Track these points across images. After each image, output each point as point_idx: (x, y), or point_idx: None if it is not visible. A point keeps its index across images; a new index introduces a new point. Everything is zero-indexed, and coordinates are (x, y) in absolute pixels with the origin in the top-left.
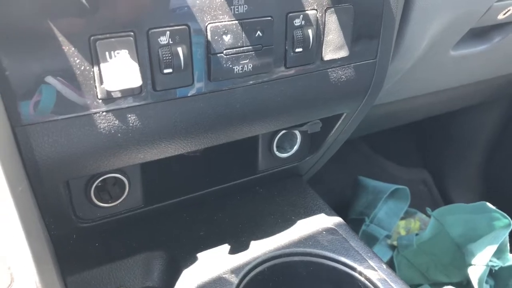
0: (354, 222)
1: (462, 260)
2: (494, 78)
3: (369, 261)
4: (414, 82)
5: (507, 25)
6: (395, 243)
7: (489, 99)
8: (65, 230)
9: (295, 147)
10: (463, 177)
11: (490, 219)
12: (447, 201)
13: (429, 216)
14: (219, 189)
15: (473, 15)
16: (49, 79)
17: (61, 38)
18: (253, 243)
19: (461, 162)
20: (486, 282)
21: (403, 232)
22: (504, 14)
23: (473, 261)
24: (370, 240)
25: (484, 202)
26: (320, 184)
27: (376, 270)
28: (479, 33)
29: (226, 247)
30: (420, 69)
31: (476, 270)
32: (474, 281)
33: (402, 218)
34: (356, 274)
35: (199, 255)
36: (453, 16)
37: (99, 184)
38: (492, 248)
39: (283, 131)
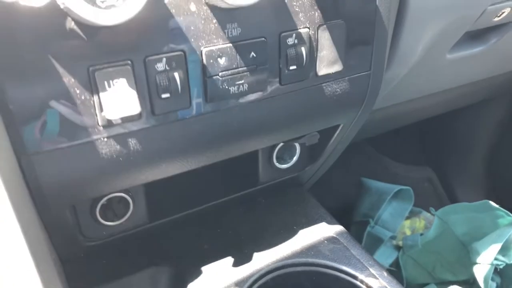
0: (358, 224)
1: (467, 258)
2: (493, 77)
3: (370, 269)
4: (412, 87)
5: (503, 26)
6: (400, 243)
7: (491, 96)
8: (73, 250)
9: (295, 158)
10: (467, 174)
11: (494, 217)
12: (453, 199)
13: (433, 215)
14: (221, 202)
15: (468, 19)
16: (51, 109)
17: (61, 69)
18: (256, 255)
19: (465, 159)
20: (492, 280)
21: (408, 232)
22: (499, 16)
23: (478, 259)
24: (375, 242)
25: (487, 200)
26: (324, 186)
27: (377, 278)
28: (475, 35)
29: (230, 259)
30: (417, 74)
31: (481, 269)
32: (480, 280)
33: (407, 218)
34: (358, 283)
35: (203, 268)
36: (447, 22)
37: (104, 203)
38: (497, 246)
39: (282, 143)
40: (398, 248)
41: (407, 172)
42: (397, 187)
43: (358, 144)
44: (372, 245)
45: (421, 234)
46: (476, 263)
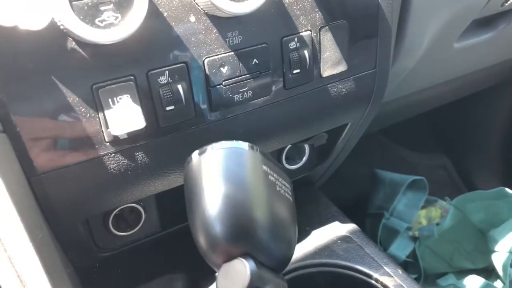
0: (373, 216)
1: (485, 246)
2: (504, 61)
3: (385, 267)
4: (420, 78)
5: (510, 12)
6: (416, 233)
7: (502, 81)
8: (88, 262)
9: (304, 158)
10: (483, 160)
11: (511, 203)
12: (468, 185)
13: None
14: None
15: (473, 8)
16: (58, 128)
17: (65, 89)
18: None
19: (479, 145)
20: (511, 267)
21: (424, 222)
22: (507, 2)
23: (496, 247)
24: (391, 234)
25: (503, 187)
26: (339, 178)
27: (392, 276)
28: (482, 22)
29: None
30: (425, 66)
31: (499, 257)
32: (499, 268)
33: (423, 207)
34: (373, 282)
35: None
36: (452, 12)
37: (117, 213)
38: None
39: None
40: (414, 239)
41: (422, 160)
42: (411, 178)
43: (371, 135)
44: (388, 237)
45: (437, 224)
46: (494, 251)
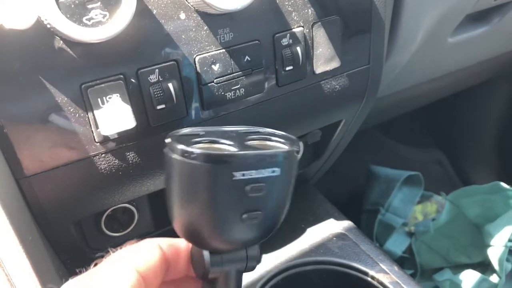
0: (369, 212)
1: (481, 240)
2: (498, 56)
3: (381, 264)
4: (415, 73)
5: (504, 6)
6: (412, 229)
7: (496, 75)
8: (81, 263)
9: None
10: (478, 155)
11: (506, 198)
12: (464, 180)
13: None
14: None
15: (467, 2)
16: (47, 129)
17: (53, 89)
18: (265, 256)
19: (474, 140)
20: (507, 261)
21: (420, 217)
22: None
23: (492, 242)
24: (387, 230)
25: (498, 182)
26: (334, 174)
27: (388, 273)
28: (476, 17)
29: None
30: (419, 61)
31: (495, 251)
32: (495, 262)
33: (418, 202)
34: (369, 279)
35: None
36: (446, 7)
37: (109, 213)
38: (510, 228)
39: None
40: (410, 234)
41: (417, 156)
42: (406, 173)
43: (366, 131)
44: (384, 233)
45: (433, 219)
46: (490, 246)
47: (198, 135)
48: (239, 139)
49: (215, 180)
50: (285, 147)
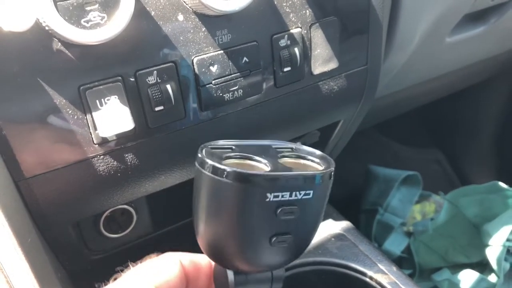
0: (368, 212)
1: (480, 240)
2: (496, 56)
3: (379, 264)
4: (413, 73)
5: (502, 6)
6: (411, 229)
7: (494, 75)
8: (80, 265)
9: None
10: (476, 154)
11: (504, 197)
12: (463, 179)
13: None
14: None
15: (465, 2)
16: (45, 131)
17: (51, 91)
18: None
19: (473, 140)
20: (506, 260)
21: (418, 217)
22: None
23: (490, 241)
24: (385, 229)
25: (496, 181)
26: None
27: (387, 274)
28: (474, 17)
29: None
30: (417, 61)
31: (493, 251)
32: (493, 262)
33: (417, 202)
34: (367, 279)
35: None
36: (443, 7)
37: (108, 215)
38: (508, 227)
39: None
40: (409, 234)
41: (416, 156)
42: (405, 173)
43: (364, 131)
44: (382, 233)
45: (432, 219)
46: (488, 245)
47: (230, 149)
48: (272, 156)
49: (246, 200)
50: (320, 168)
